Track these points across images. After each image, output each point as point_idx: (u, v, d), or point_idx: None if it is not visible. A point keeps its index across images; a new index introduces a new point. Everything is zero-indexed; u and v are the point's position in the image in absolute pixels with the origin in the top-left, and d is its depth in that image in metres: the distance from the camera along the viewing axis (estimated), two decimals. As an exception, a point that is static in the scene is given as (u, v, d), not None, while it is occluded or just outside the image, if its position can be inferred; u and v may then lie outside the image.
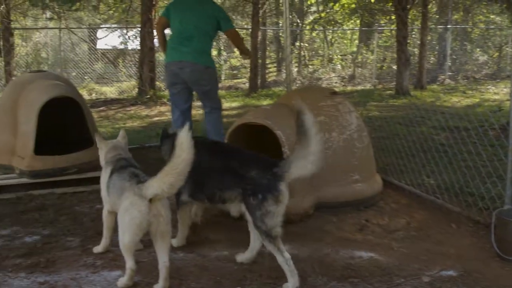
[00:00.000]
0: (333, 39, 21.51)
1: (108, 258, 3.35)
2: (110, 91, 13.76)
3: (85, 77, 15.80)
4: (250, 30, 15.29)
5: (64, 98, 4.93)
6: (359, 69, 18.84)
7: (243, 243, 3.44)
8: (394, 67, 15.39)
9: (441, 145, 5.87)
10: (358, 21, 20.77)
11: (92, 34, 18.27)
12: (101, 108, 11.14)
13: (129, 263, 2.90)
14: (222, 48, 18.70)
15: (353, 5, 17.73)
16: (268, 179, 2.95)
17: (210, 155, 3.35)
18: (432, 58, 19.09)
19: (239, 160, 3.20)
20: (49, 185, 4.74)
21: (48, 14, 16.41)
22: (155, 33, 12.55)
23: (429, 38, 17.04)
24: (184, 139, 2.63)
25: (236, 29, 5.84)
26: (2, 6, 12.36)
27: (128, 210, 2.81)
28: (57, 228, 3.96)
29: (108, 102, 12.30)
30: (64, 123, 5.32)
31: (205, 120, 5.70)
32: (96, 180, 4.86)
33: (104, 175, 3.27)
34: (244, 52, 5.78)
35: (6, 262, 3.30)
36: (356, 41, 21.78)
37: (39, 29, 17.83)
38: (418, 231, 3.90)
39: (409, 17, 14.06)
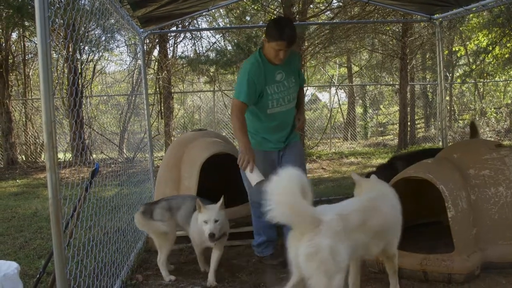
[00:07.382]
0: (485, 92, 20.35)
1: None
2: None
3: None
4: (397, 86, 15.06)
5: (223, 154, 5.17)
6: (516, 122, 17.59)
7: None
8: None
9: None
10: (511, 72, 19.49)
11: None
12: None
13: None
14: (367, 105, 18.61)
15: (507, 55, 16.70)
16: None
17: None
18: None
19: None
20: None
21: (203, 79, 17.64)
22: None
23: None
24: None
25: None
26: (164, 73, 13.59)
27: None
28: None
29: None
30: (224, 179, 5.55)
31: None
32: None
33: None
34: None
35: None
36: (511, 93, 20.38)
37: (195, 92, 19.17)
38: None
39: None
